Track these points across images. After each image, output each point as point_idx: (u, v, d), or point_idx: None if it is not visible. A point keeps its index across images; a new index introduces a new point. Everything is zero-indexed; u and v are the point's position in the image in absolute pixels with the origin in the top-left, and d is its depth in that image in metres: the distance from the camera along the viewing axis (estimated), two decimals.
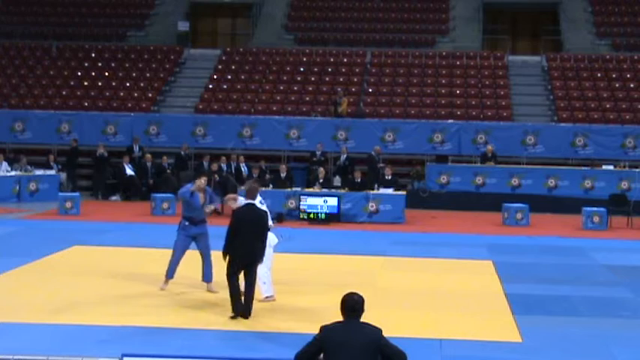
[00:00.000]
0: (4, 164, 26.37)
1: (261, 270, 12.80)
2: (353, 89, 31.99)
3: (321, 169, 25.06)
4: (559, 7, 36.40)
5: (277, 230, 14.12)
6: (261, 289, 13.00)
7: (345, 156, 27.51)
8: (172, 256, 13.67)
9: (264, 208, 13.02)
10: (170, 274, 13.65)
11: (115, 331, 11.22)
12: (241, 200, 13.23)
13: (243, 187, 13.82)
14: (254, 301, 12.19)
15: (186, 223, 13.64)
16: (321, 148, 27.73)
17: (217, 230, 16.74)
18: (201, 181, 13.70)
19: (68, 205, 23.07)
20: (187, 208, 13.68)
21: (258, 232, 12.01)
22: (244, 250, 11.86)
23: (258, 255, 12.01)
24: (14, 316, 11.80)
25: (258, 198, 13.14)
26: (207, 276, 13.68)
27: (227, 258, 11.93)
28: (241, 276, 12.07)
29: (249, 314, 11.96)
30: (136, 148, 28.13)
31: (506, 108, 30.68)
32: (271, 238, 13.17)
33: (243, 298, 11.99)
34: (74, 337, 10.94)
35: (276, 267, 16.16)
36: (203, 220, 13.77)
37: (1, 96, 31.83)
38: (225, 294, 13.25)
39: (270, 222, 13.32)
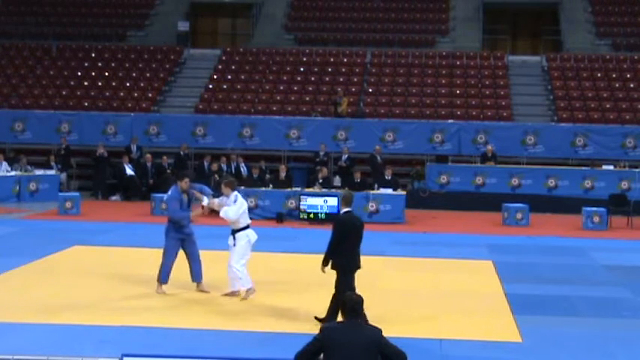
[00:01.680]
0: (4, 164, 26.36)
1: (237, 265, 12.95)
2: (353, 89, 31.99)
3: (324, 169, 25.07)
4: (559, 7, 36.41)
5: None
6: (239, 284, 13.12)
7: (346, 156, 27.51)
8: (164, 260, 13.54)
9: (241, 200, 13.18)
10: (164, 278, 13.52)
11: (115, 331, 11.22)
12: (221, 200, 13.37)
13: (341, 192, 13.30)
14: (244, 302, 12.18)
15: (175, 227, 13.58)
16: (325, 149, 27.75)
17: (210, 230, 16.76)
18: (184, 184, 13.59)
19: (68, 205, 23.07)
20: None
21: (360, 238, 11.72)
22: (354, 258, 11.58)
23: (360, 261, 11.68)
24: (14, 316, 11.80)
25: (234, 193, 13.19)
26: (197, 276, 13.69)
27: (327, 267, 11.50)
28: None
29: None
30: (134, 148, 28.11)
31: (506, 108, 30.68)
32: (252, 235, 13.24)
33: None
34: (74, 337, 10.93)
35: (277, 267, 16.23)
36: (189, 227, 13.72)
37: (1, 96, 31.83)
38: (217, 292, 13.32)
39: (205, 199, 13.50)
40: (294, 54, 34.07)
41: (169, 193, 13.74)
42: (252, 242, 13.29)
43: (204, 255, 14.01)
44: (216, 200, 13.52)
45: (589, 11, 36.03)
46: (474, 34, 35.64)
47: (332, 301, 11.43)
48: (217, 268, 14.24)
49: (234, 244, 13.18)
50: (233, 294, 13.30)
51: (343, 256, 11.47)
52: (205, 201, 13.57)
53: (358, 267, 11.68)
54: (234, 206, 13.11)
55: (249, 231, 13.26)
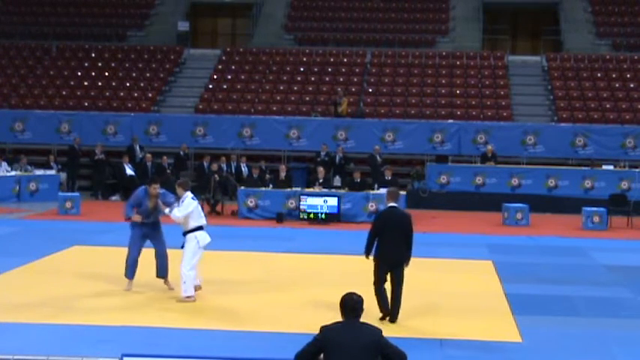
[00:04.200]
0: (4, 164, 26.36)
1: (182, 269, 12.80)
2: (353, 89, 31.99)
3: (321, 169, 25.07)
4: (559, 7, 36.42)
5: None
6: (181, 289, 12.95)
7: (340, 155, 27.52)
8: (128, 256, 13.64)
9: (189, 202, 12.93)
10: (130, 274, 13.60)
11: (115, 331, 11.22)
12: (174, 205, 13.09)
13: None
14: (244, 302, 12.13)
15: (137, 223, 13.64)
16: (327, 149, 27.74)
17: (226, 231, 16.75)
18: (152, 189, 13.52)
19: (68, 205, 23.07)
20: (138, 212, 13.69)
21: (403, 233, 12.00)
22: (392, 252, 11.96)
23: (404, 256, 12.04)
24: (14, 316, 11.80)
25: (186, 194, 13.00)
26: (162, 271, 13.71)
27: (373, 260, 12.10)
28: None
29: (397, 317, 12.01)
30: (136, 148, 28.07)
31: (506, 108, 30.68)
32: (201, 237, 12.94)
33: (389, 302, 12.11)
34: (74, 337, 10.93)
35: (276, 267, 16.23)
36: (154, 222, 13.71)
37: (1, 96, 31.84)
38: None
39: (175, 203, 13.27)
40: (294, 54, 34.08)
41: (137, 190, 13.81)
42: (203, 244, 12.95)
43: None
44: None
45: (589, 11, 36.03)
46: (474, 34, 35.64)
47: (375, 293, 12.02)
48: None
49: (182, 246, 13.04)
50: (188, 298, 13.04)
51: (380, 248, 11.98)
52: (167, 211, 13.31)
53: (395, 261, 12.00)
54: (180, 207, 12.95)
55: (198, 232, 12.93)
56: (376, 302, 12.00)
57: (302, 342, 6.94)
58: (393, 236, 11.92)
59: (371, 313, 11.81)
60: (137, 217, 13.60)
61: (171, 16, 36.71)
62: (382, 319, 11.93)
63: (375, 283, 12.10)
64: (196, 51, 35.26)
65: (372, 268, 12.15)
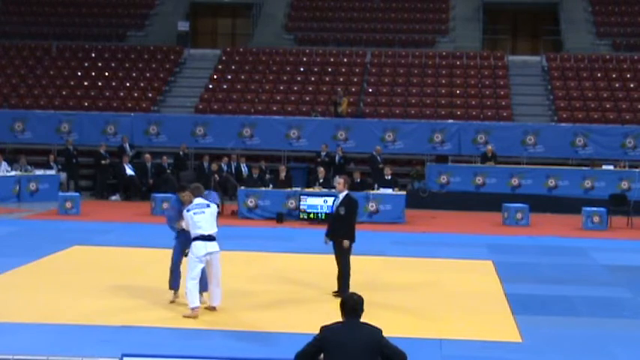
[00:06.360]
0: (4, 164, 26.35)
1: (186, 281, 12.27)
2: (353, 89, 31.99)
3: (321, 169, 25.05)
4: (559, 7, 36.42)
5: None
6: (187, 300, 12.31)
7: (339, 155, 27.51)
8: (172, 267, 12.96)
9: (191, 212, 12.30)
10: (175, 285, 13.00)
11: (115, 331, 11.22)
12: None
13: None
14: (245, 302, 12.07)
15: (182, 232, 12.81)
16: (327, 149, 27.73)
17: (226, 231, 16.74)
18: (184, 196, 12.80)
19: (68, 205, 23.07)
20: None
21: (354, 215, 14.48)
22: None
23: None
24: (14, 316, 11.80)
25: (196, 201, 12.36)
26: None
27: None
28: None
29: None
30: (127, 148, 28.01)
31: (506, 108, 30.68)
32: (196, 249, 12.11)
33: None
34: (74, 337, 10.93)
35: (277, 267, 16.23)
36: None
37: (1, 96, 31.84)
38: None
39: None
40: (294, 54, 34.08)
41: (172, 202, 13.24)
42: (197, 255, 12.10)
43: None
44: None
45: (589, 11, 36.04)
46: (474, 34, 35.64)
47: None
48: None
49: (185, 254, 12.61)
50: (211, 308, 12.53)
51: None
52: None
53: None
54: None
55: (195, 243, 12.15)
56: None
57: (302, 342, 6.95)
58: (345, 217, 13.95)
59: (371, 313, 11.82)
60: (183, 223, 12.64)
61: (171, 16, 36.71)
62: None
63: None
64: (196, 51, 35.27)
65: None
